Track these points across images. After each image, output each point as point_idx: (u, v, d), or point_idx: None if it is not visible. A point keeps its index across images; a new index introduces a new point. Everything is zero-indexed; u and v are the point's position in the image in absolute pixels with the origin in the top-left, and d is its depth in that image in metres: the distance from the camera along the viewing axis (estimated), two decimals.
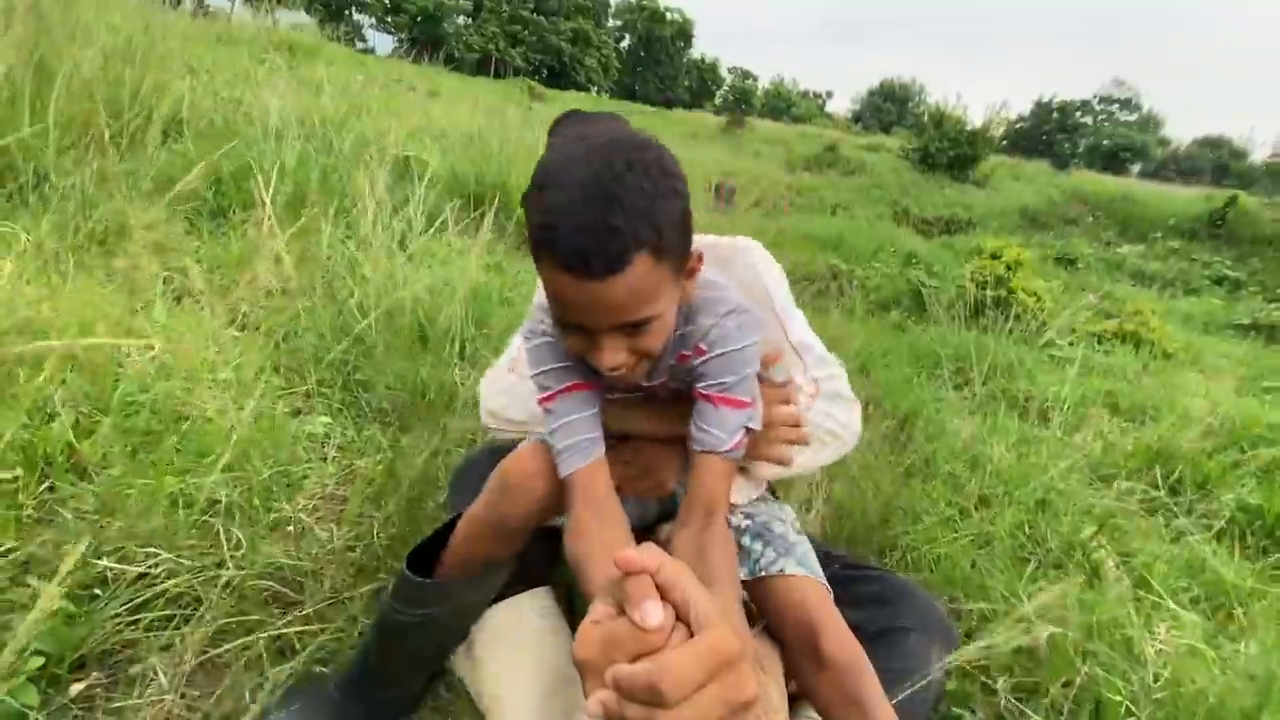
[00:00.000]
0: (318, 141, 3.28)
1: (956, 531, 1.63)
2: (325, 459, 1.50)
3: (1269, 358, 4.93)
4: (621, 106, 24.27)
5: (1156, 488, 1.94)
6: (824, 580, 0.89)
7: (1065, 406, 2.63)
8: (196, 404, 1.34)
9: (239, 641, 0.94)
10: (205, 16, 6.76)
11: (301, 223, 2.12)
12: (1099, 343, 4.31)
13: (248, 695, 0.94)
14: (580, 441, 0.81)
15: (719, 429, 0.80)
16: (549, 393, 0.83)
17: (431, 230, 2.56)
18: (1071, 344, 4.06)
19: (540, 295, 0.85)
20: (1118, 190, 16.63)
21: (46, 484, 0.98)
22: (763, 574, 0.88)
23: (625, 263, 0.64)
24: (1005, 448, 2.18)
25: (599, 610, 0.39)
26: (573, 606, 1.16)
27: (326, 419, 1.54)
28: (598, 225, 0.62)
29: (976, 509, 1.83)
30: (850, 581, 0.97)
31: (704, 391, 0.82)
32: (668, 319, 0.74)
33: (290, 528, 1.18)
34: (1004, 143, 23.28)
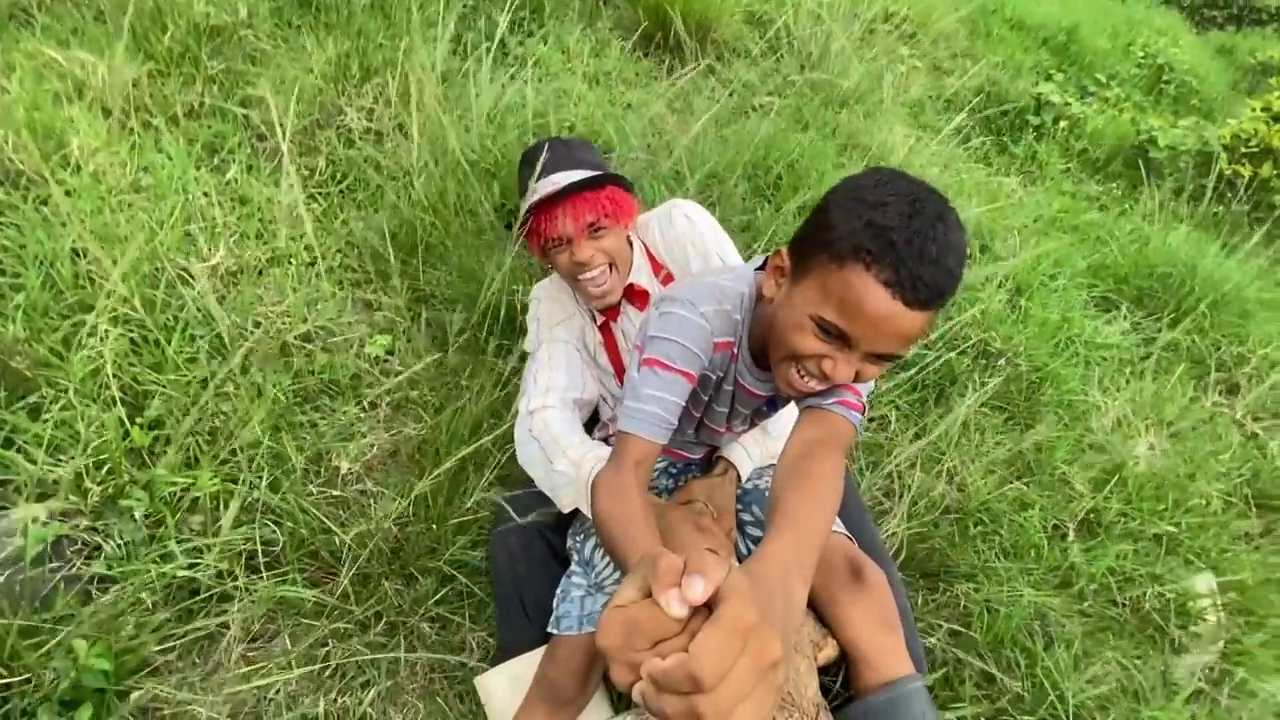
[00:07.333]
0: None
1: None
2: (387, 373, 1.47)
3: None
4: None
5: None
6: (849, 534, 1.08)
7: None
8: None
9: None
10: None
11: None
12: None
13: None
14: (658, 416, 0.84)
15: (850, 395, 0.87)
16: (666, 362, 0.85)
17: None
18: None
19: (717, 279, 0.90)
20: None
21: None
22: None
23: (940, 304, 0.71)
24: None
25: (625, 593, 0.39)
26: None
27: (385, 340, 1.48)
28: (942, 261, 0.68)
29: None
30: None
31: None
32: None
33: (338, 489, 1.25)
34: None
